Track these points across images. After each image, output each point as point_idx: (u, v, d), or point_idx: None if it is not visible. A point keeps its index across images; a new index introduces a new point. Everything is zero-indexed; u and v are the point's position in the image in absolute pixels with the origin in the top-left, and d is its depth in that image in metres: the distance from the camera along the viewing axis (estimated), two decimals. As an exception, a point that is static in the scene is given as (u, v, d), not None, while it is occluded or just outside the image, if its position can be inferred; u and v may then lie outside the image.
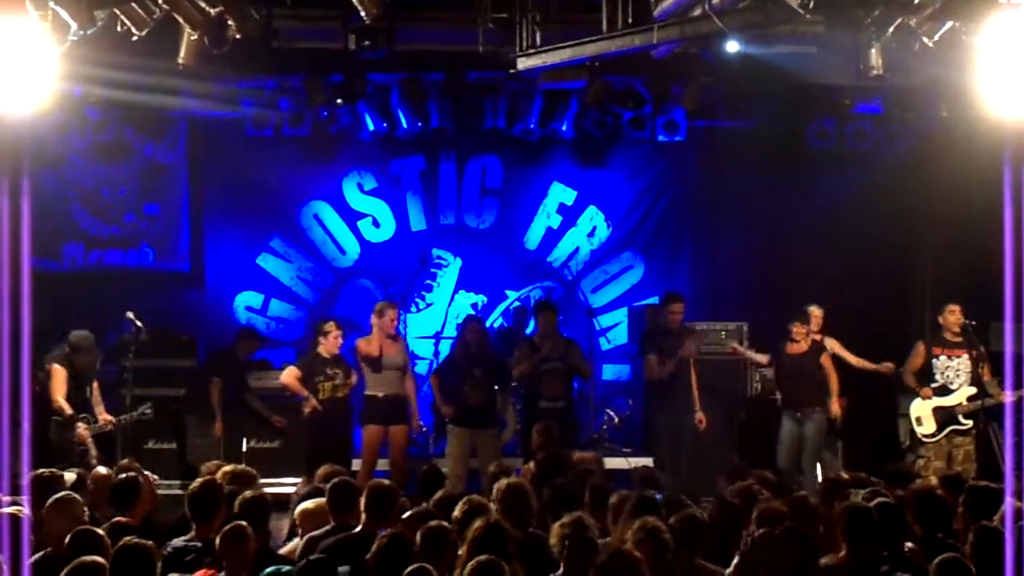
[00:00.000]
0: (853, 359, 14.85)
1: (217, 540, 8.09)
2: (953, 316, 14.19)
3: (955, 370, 14.14)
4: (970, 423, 14.01)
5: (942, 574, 7.27)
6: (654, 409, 15.12)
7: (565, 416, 14.52)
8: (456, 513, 8.70)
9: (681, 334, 14.85)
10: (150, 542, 7.47)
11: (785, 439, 14.49)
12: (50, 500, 8.87)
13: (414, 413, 14.50)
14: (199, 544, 8.50)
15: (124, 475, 9.99)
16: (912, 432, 14.55)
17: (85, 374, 13.66)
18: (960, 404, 14.01)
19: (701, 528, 8.50)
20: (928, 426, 14.13)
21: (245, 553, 7.99)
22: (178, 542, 8.69)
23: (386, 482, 9.56)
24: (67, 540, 7.91)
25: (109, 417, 13.69)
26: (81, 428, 13.37)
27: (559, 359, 14.70)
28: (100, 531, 8.05)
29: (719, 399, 15.23)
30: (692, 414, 14.65)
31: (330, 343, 14.34)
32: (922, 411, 14.19)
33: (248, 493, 9.27)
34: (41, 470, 9.99)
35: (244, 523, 8.18)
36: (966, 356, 14.09)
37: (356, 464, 14.21)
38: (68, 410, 13.40)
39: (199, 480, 9.31)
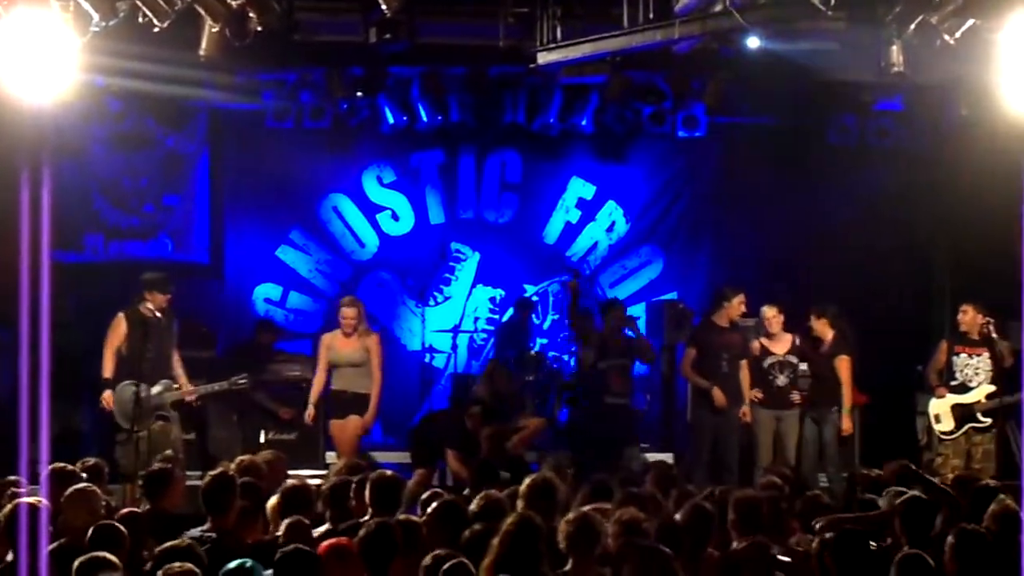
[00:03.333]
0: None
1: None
2: (966, 316, 14.15)
3: (975, 368, 14.12)
4: (989, 420, 13.98)
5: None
6: (696, 405, 15.05)
7: (630, 413, 14.56)
8: (473, 507, 8.73)
9: (731, 334, 14.79)
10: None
11: (806, 443, 14.43)
12: (68, 491, 8.90)
13: (372, 409, 14.39)
14: (214, 535, 8.53)
15: (159, 465, 10.08)
16: (929, 430, 14.54)
17: (156, 327, 13.59)
18: (979, 402, 13.98)
19: (710, 519, 8.55)
20: (946, 423, 14.12)
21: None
22: (194, 532, 8.74)
23: (389, 473, 9.61)
24: (89, 535, 7.94)
25: (188, 386, 13.69)
26: (105, 393, 13.34)
27: (625, 355, 14.62)
28: (119, 525, 8.07)
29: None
30: (737, 407, 14.60)
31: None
32: (940, 408, 14.17)
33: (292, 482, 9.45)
34: (59, 464, 10.03)
35: None
36: (987, 354, 14.06)
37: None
38: (108, 371, 13.36)
39: (211, 473, 9.34)
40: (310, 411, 14.41)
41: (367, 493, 9.11)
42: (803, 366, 14.53)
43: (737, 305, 14.75)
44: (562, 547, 7.70)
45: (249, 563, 7.17)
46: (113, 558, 7.24)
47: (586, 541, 7.67)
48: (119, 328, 13.49)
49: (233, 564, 7.07)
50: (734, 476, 14.08)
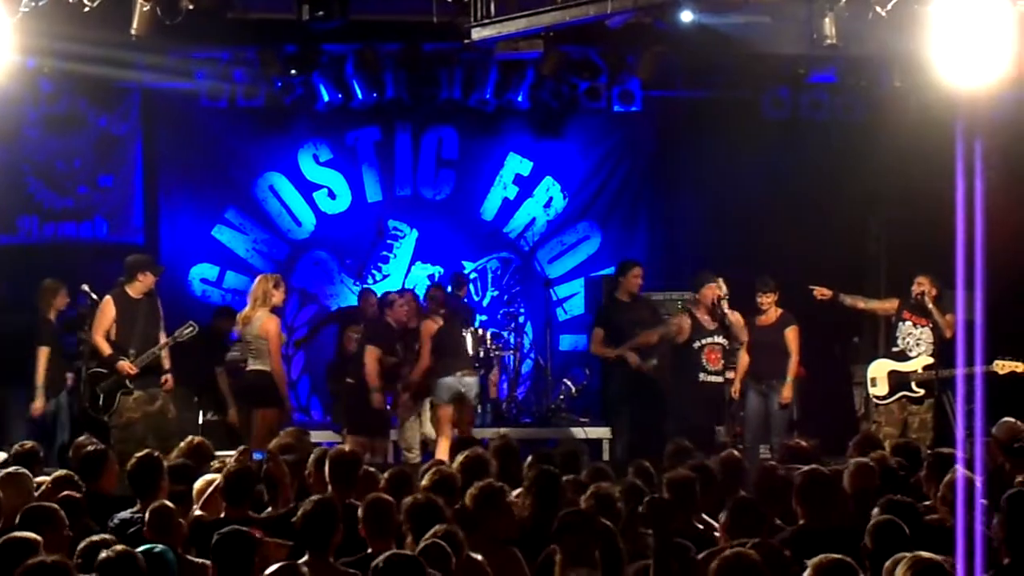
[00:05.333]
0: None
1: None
2: (916, 287, 14.13)
3: (916, 338, 14.13)
4: (922, 392, 14.04)
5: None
6: (608, 379, 15.11)
7: (723, 391, 14.34)
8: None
9: (636, 307, 14.82)
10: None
11: (751, 414, 14.44)
12: (2, 475, 8.86)
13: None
14: (143, 516, 8.52)
15: (92, 447, 10.01)
16: (867, 400, 14.61)
17: (144, 306, 13.48)
18: (915, 371, 14.03)
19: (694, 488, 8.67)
20: (881, 388, 14.15)
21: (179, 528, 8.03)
22: (124, 514, 8.73)
23: (347, 448, 9.61)
24: (20, 516, 7.89)
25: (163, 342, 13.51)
26: (121, 363, 13.23)
27: (719, 333, 14.24)
28: (55, 506, 8.01)
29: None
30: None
31: (397, 312, 14.51)
32: (878, 372, 14.20)
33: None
34: None
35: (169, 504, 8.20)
36: (930, 327, 14.10)
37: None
38: (105, 349, 13.23)
39: (137, 455, 9.29)
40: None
41: (326, 470, 9.14)
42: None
43: (631, 279, 14.77)
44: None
45: (158, 548, 7.18)
46: (35, 537, 7.19)
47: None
48: (108, 311, 13.33)
49: (141, 549, 7.05)
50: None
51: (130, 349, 13.27)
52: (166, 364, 13.54)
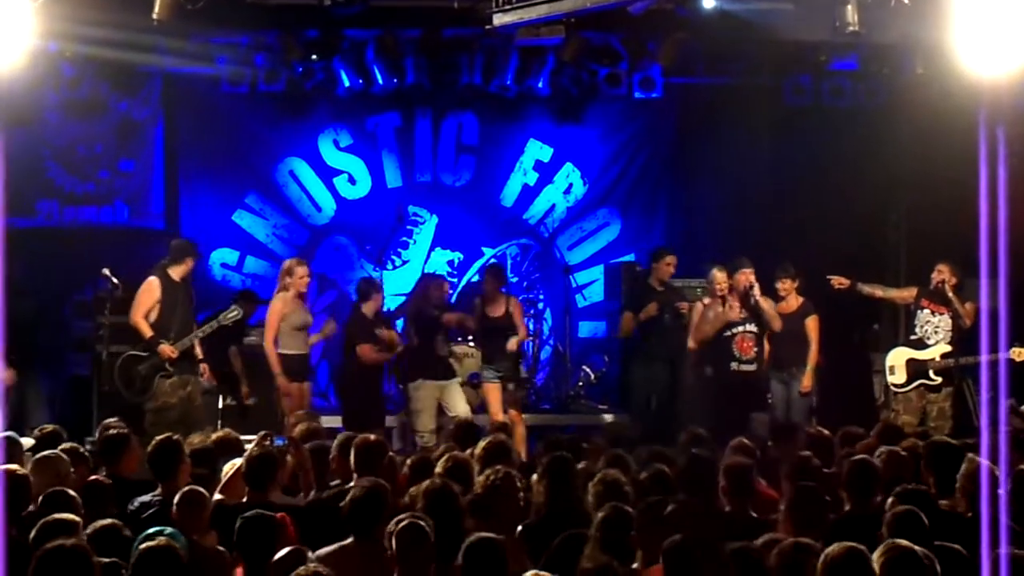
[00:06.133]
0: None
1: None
2: (936, 275, 14.11)
3: (935, 326, 14.12)
4: (940, 380, 14.02)
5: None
6: (629, 360, 15.10)
7: (758, 379, 14.33)
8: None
9: (666, 294, 14.83)
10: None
11: (774, 402, 14.39)
12: (36, 458, 8.86)
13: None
14: (161, 499, 8.56)
15: (114, 430, 10.03)
16: (887, 388, 14.59)
17: (182, 292, 13.52)
18: (933, 359, 14.01)
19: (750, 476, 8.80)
20: (899, 376, 14.14)
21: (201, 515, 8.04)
22: (144, 498, 8.76)
23: (372, 437, 9.63)
24: (40, 500, 7.93)
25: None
26: (164, 346, 13.24)
27: (751, 321, 14.23)
28: (71, 492, 8.03)
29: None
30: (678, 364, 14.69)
31: (375, 304, 14.64)
32: (896, 360, 14.19)
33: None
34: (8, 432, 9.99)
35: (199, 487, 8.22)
36: (948, 315, 14.08)
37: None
38: (146, 330, 13.24)
39: (157, 438, 9.32)
40: (282, 379, 13.91)
41: (352, 457, 9.17)
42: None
43: (664, 266, 14.80)
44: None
45: (168, 530, 7.19)
46: (74, 517, 7.23)
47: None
48: (153, 292, 13.33)
49: (151, 531, 7.07)
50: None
51: (170, 333, 13.29)
52: (199, 352, 13.56)
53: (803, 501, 7.95)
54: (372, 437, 9.56)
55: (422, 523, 7.08)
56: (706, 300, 14.49)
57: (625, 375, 15.56)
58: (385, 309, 15.31)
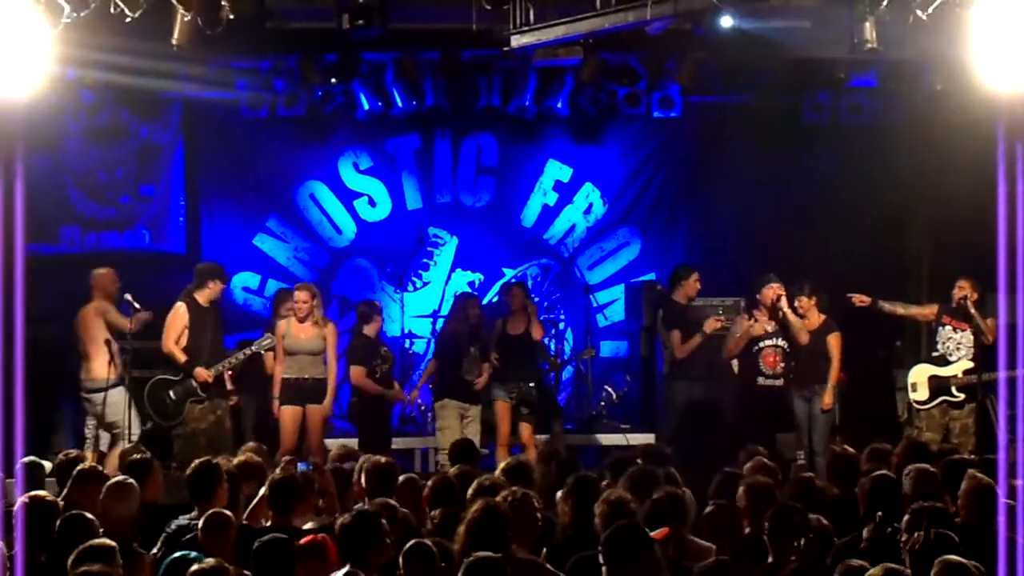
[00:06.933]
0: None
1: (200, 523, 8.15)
2: (957, 292, 14.08)
3: (957, 343, 14.10)
4: (963, 396, 13.98)
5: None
6: (671, 377, 15.05)
7: (783, 395, 14.33)
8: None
9: (692, 312, 14.85)
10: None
11: (799, 421, 14.31)
12: (110, 484, 8.86)
13: (330, 397, 14.24)
14: (199, 523, 8.56)
15: (139, 455, 10.06)
16: (909, 406, 14.56)
17: (211, 315, 13.60)
18: (955, 376, 13.99)
19: (684, 505, 8.67)
20: (922, 393, 14.12)
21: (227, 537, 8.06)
22: (182, 520, 8.79)
23: (384, 459, 9.65)
24: (58, 524, 7.95)
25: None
26: (200, 370, 13.29)
27: (778, 335, 14.33)
28: (90, 516, 8.05)
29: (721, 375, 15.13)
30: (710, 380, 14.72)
31: (375, 326, 14.80)
32: (918, 377, 14.17)
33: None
34: (30, 457, 10.03)
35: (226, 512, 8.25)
36: (970, 331, 14.05)
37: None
38: (180, 356, 13.33)
39: (197, 461, 9.35)
40: (276, 405, 14.01)
41: (363, 479, 9.22)
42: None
43: (693, 283, 14.81)
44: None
45: (193, 554, 7.22)
46: (110, 543, 7.26)
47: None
48: (181, 317, 13.47)
49: (178, 554, 7.10)
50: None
51: (200, 357, 13.34)
52: (228, 382, 13.62)
53: (779, 519, 7.97)
54: (383, 460, 9.61)
55: (429, 545, 7.10)
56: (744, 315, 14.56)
57: (670, 395, 15.31)
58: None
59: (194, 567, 6.78)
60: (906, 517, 7.82)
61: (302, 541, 7.73)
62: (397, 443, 15.31)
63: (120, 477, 9.03)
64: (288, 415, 13.98)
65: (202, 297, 13.53)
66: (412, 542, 7.22)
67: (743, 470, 10.15)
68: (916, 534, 7.40)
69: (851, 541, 8.42)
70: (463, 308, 14.97)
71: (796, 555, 7.67)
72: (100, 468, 9.69)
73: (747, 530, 8.67)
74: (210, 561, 6.82)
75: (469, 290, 17.23)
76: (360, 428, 14.81)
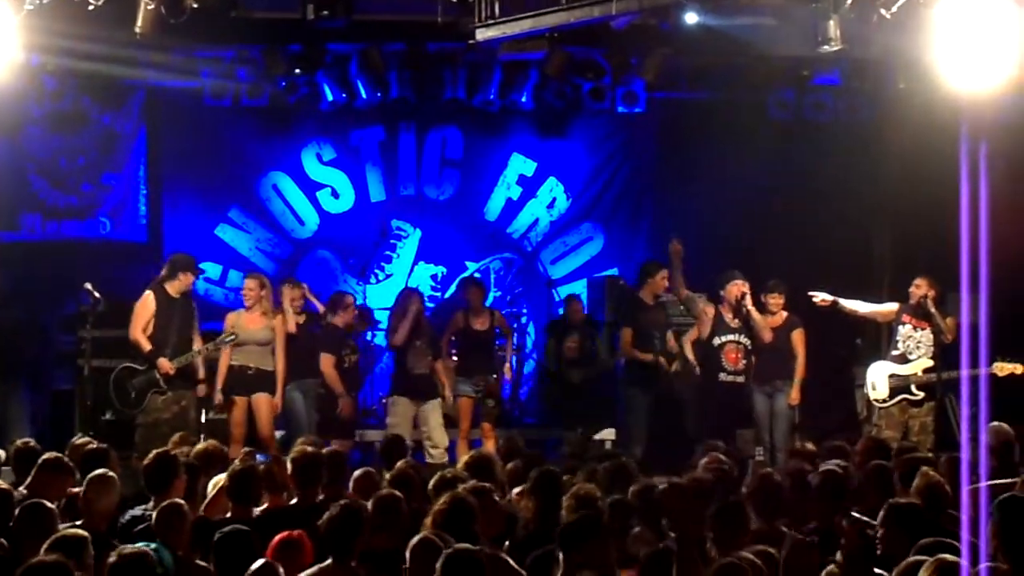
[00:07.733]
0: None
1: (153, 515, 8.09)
2: (916, 290, 14.11)
3: (916, 341, 14.11)
4: (922, 395, 14.01)
5: None
6: (629, 383, 15.00)
7: (742, 393, 14.31)
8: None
9: (657, 309, 14.85)
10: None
11: (757, 416, 14.35)
12: (91, 477, 8.79)
13: (280, 387, 13.98)
14: (153, 515, 8.52)
15: (93, 445, 10.02)
16: (869, 403, 14.59)
17: (181, 306, 13.48)
18: (915, 375, 14.02)
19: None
20: (881, 391, 14.12)
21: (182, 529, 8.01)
22: (136, 511, 8.74)
23: (310, 449, 9.64)
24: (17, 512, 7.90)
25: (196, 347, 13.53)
26: (163, 361, 13.20)
27: (741, 332, 14.29)
28: (49, 504, 7.99)
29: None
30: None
31: (348, 315, 14.71)
32: (877, 375, 14.18)
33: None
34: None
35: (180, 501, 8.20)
36: (930, 330, 14.08)
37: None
38: (146, 345, 13.21)
39: (153, 452, 9.29)
40: (218, 396, 13.84)
41: (290, 472, 9.22)
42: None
43: (660, 280, 14.77)
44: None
45: (153, 545, 7.17)
46: (82, 534, 7.20)
47: None
48: (148, 306, 13.34)
49: (135, 547, 7.03)
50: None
51: (166, 348, 13.27)
52: (200, 372, 13.56)
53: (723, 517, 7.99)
54: (308, 450, 9.61)
55: (436, 539, 7.07)
56: (708, 308, 14.52)
57: (628, 397, 15.26)
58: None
59: (33, 560, 6.61)
60: (881, 514, 7.84)
61: (277, 539, 7.69)
62: (357, 435, 15.26)
63: (101, 470, 8.93)
64: (232, 406, 13.86)
65: (172, 288, 13.45)
66: (419, 536, 7.18)
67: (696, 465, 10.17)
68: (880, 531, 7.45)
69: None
70: (403, 303, 14.87)
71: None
72: (63, 458, 9.58)
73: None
74: (52, 556, 6.66)
75: (432, 283, 17.24)
76: (321, 415, 14.72)
